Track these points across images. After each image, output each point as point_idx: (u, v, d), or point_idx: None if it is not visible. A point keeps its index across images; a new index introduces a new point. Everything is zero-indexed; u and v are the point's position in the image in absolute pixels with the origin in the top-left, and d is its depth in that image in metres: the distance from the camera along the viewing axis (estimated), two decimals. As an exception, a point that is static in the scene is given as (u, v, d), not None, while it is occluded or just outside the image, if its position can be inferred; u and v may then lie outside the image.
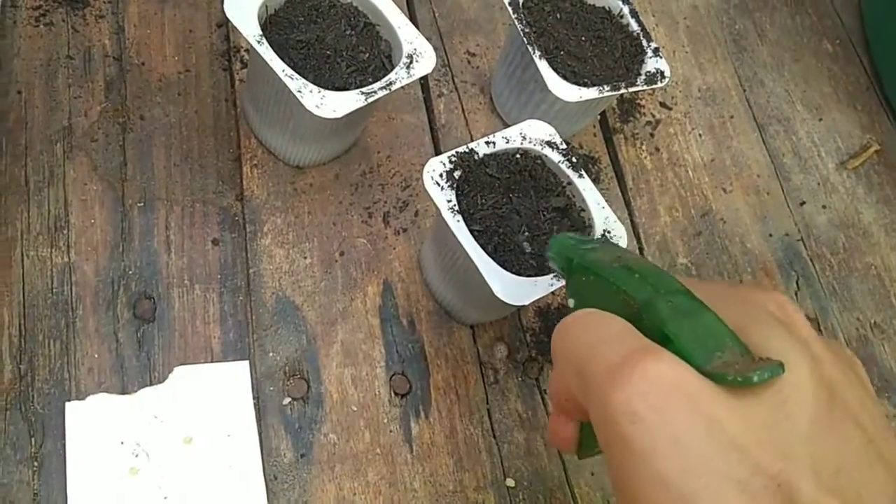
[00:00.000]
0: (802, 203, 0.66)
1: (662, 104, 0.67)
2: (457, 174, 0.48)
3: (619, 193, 0.62)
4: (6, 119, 0.50)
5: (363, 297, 0.52)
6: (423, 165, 0.58)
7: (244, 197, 0.53)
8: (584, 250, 0.38)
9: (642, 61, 0.57)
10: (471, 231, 0.46)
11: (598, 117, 0.65)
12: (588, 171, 0.62)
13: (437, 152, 0.60)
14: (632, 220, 0.61)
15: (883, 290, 0.64)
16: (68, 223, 0.48)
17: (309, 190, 0.54)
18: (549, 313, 0.55)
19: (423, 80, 0.62)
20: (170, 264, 0.49)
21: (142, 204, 0.50)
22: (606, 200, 0.61)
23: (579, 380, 0.30)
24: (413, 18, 0.64)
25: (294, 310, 0.50)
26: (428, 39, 0.64)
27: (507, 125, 0.62)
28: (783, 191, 0.66)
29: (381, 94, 0.48)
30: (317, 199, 0.54)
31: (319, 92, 0.47)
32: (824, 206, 0.67)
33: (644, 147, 0.65)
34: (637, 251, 0.60)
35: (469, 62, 0.64)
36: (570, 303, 0.36)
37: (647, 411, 0.26)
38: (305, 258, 0.52)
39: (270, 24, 0.51)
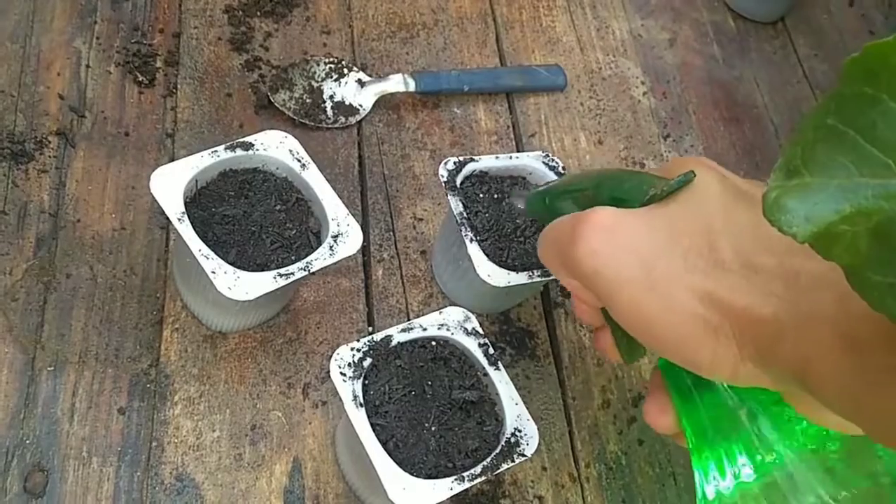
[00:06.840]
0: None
1: (608, 278, 0.67)
2: (366, 363, 0.47)
3: (554, 372, 0.61)
4: (-72, 274, 0.50)
5: (269, 476, 0.51)
6: (354, 333, 0.59)
7: (159, 363, 0.52)
8: (547, 191, 0.50)
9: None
10: (375, 425, 0.45)
11: (542, 288, 0.65)
12: (524, 346, 0.61)
13: (370, 320, 0.59)
14: (564, 401, 0.60)
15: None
16: (-29, 387, 0.48)
17: (229, 357, 0.54)
18: (466, 499, 0.54)
19: (365, 244, 0.62)
20: (70, 434, 0.48)
21: (52, 368, 0.50)
22: (539, 378, 0.60)
23: (562, 263, 0.40)
24: (363, 179, 0.65)
25: (193, 488, 0.49)
26: (375, 202, 0.65)
27: (443, 294, 0.62)
28: (726, 375, 0.65)
29: (298, 275, 0.48)
30: (235, 367, 0.54)
31: (234, 273, 0.47)
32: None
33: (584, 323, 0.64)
34: (566, 434, 0.58)
35: (414, 227, 0.64)
36: None
37: (600, 244, 0.37)
38: (214, 431, 0.51)
39: (200, 196, 0.51)
